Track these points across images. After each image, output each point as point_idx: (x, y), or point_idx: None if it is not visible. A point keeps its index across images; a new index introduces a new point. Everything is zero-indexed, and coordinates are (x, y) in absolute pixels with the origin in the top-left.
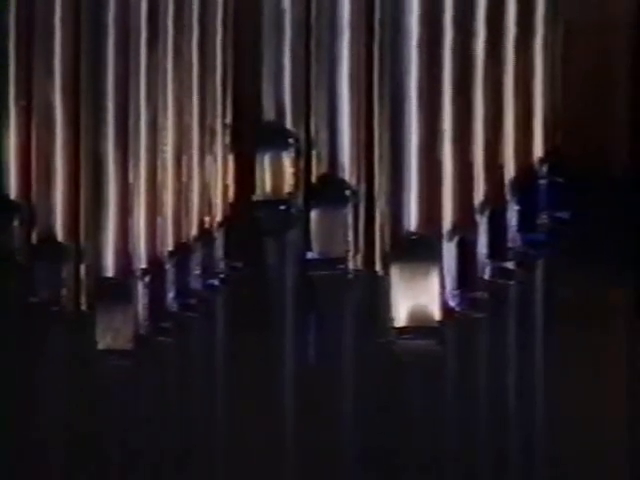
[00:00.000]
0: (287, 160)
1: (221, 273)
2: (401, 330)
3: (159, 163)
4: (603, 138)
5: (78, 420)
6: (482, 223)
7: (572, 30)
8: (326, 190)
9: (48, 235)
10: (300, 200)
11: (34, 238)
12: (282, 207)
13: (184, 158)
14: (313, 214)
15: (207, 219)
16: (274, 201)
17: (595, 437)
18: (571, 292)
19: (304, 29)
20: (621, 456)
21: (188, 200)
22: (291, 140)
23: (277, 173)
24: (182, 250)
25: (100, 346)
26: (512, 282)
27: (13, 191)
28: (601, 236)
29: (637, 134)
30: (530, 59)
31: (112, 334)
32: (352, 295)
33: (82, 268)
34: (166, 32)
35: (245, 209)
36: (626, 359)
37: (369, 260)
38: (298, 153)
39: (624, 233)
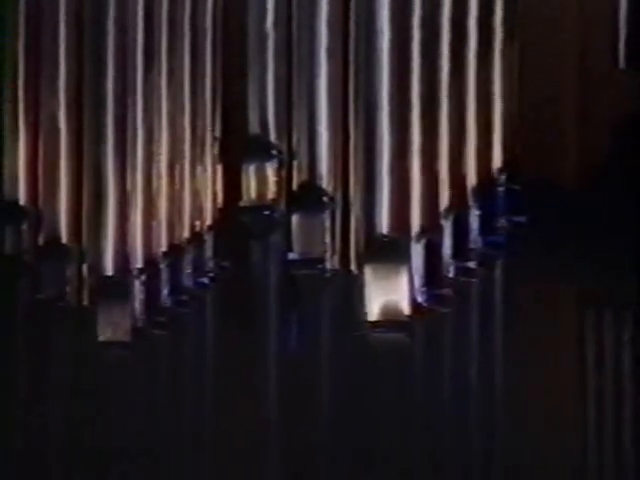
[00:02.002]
0: (270, 170)
1: (211, 272)
2: (374, 324)
3: (154, 172)
4: (556, 150)
5: (80, 405)
6: (447, 226)
7: (526, 52)
8: (306, 197)
9: (53, 237)
10: (282, 206)
11: (41, 240)
12: (266, 212)
13: (177, 167)
14: (294, 218)
15: (198, 223)
16: (259, 207)
17: (549, 418)
18: (527, 289)
19: (286, 51)
20: (572, 435)
21: (180, 206)
22: (274, 151)
23: (261, 181)
24: (175, 251)
25: (101, 338)
26: (474, 280)
27: (22, 197)
28: (553, 238)
29: (585, 146)
30: (490, 79)
31: (112, 327)
32: (330, 292)
33: (84, 267)
34: (160, 54)
35: (232, 214)
36: (576, 350)
37: (345, 260)
38: (280, 163)
39: (574, 236)
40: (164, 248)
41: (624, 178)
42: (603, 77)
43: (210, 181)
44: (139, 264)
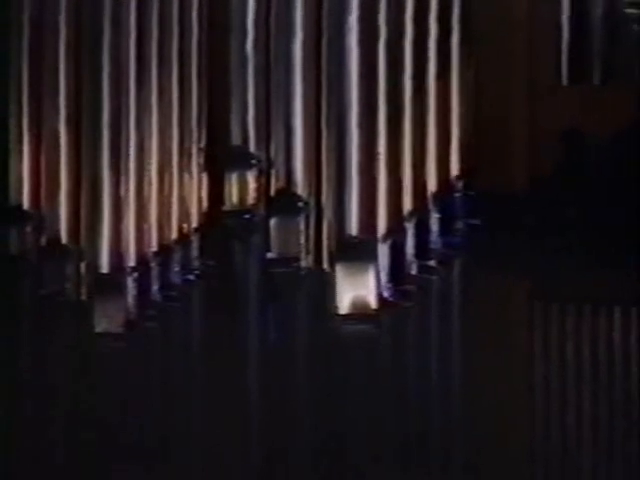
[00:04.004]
0: (251, 177)
1: (197, 270)
2: (344, 317)
3: (145, 179)
4: (507, 161)
5: (78, 390)
6: (409, 229)
7: (480, 72)
8: (283, 202)
9: (54, 238)
10: (261, 210)
11: (43, 241)
12: (247, 216)
13: (166, 175)
14: (272, 221)
15: (185, 225)
16: (240, 211)
17: (501, 401)
18: (482, 285)
19: (265, 71)
20: (521, 414)
21: (169, 210)
22: (254, 161)
23: (242, 188)
24: (164, 251)
25: (97, 330)
26: (434, 277)
27: (26, 202)
28: (506, 239)
29: (534, 157)
30: (448, 96)
31: (107, 320)
32: (304, 288)
33: (82, 266)
34: (151, 74)
35: (216, 217)
36: (525, 339)
37: (318, 259)
38: (260, 172)
39: (525, 237)
40: (154, 248)
41: (570, 184)
42: (549, 92)
43: (196, 188)
44: (132, 263)
